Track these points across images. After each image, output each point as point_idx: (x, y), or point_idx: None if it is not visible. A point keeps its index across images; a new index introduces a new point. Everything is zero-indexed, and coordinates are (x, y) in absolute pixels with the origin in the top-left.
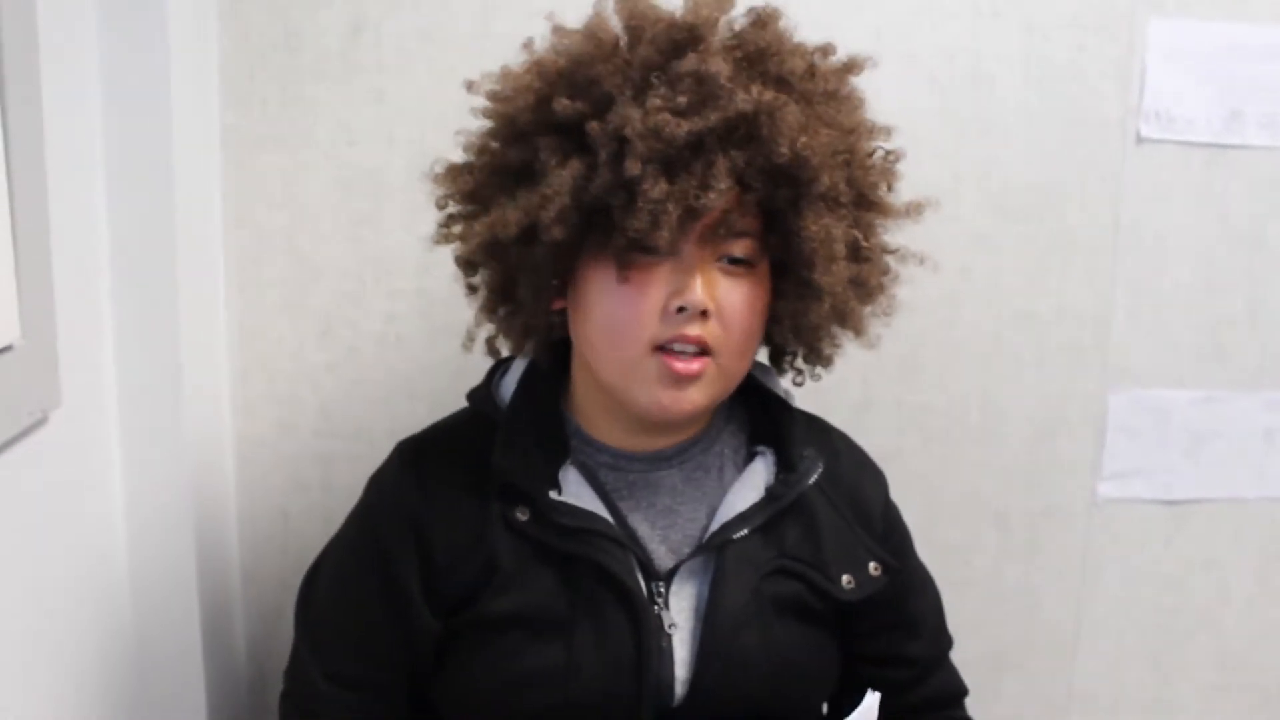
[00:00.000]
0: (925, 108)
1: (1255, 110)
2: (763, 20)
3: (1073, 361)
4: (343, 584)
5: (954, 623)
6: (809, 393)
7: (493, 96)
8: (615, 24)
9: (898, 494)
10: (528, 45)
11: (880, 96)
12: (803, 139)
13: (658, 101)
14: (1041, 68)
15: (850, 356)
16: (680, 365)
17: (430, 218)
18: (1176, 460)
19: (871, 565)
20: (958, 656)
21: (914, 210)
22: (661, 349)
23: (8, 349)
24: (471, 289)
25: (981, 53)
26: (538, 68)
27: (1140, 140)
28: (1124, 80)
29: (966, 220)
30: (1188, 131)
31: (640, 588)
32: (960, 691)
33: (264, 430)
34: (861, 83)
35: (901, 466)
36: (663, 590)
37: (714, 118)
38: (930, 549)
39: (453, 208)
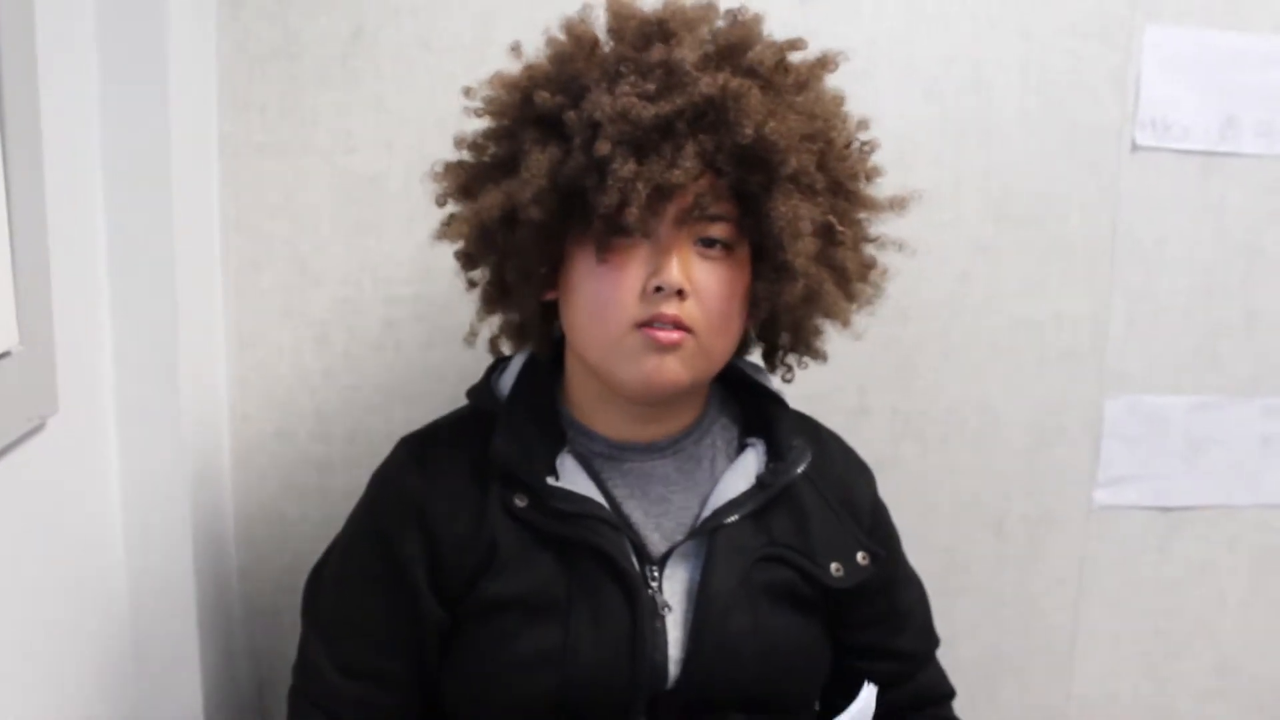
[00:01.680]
0: (924, 115)
1: (1251, 118)
2: (738, 20)
3: (1070, 368)
4: (349, 576)
5: (951, 628)
6: (805, 399)
7: (484, 99)
8: (598, 23)
9: (895, 500)
10: (516, 49)
11: (879, 103)
12: (770, 123)
13: (627, 88)
14: (1039, 75)
15: (847, 363)
16: (661, 334)
17: (429, 224)
18: (1173, 467)
19: (859, 555)
20: (955, 662)
21: (897, 204)
22: (642, 326)
23: (5, 355)
24: (471, 284)
25: (980, 60)
26: (527, 71)
27: (1136, 148)
28: (1121, 87)
29: (965, 226)
30: (1184, 139)
31: (635, 569)
32: (948, 693)
33: (261, 436)
34: (861, 90)
35: (899, 473)
36: (656, 574)
37: (679, 101)
38: (927, 555)
39: (450, 206)
